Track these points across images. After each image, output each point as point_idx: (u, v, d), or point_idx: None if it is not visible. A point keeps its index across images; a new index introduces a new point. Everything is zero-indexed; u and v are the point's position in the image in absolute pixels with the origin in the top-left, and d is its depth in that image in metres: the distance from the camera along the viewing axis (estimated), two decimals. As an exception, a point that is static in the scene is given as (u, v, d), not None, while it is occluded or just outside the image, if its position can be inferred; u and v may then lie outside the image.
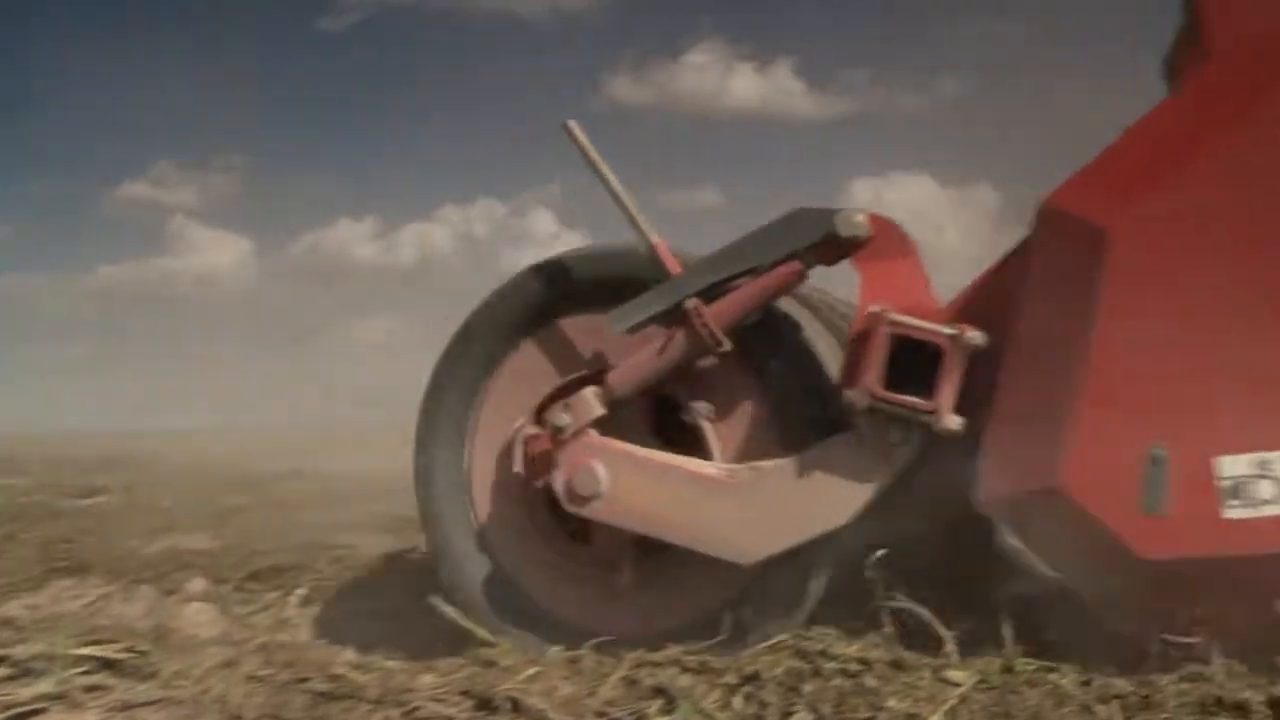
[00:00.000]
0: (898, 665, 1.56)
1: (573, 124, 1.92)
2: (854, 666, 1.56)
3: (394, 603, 2.54)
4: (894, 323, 1.64)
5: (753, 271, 1.78)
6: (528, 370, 2.02)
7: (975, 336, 1.60)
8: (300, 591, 2.78)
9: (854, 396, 1.65)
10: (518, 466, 1.99)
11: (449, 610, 1.94)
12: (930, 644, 1.63)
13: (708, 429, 1.89)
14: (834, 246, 1.73)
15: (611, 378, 1.85)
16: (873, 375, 1.64)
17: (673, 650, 1.70)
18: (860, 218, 1.71)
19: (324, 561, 3.21)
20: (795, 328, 1.87)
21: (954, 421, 1.61)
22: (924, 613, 1.65)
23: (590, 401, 1.85)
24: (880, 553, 1.68)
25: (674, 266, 1.83)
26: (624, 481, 1.81)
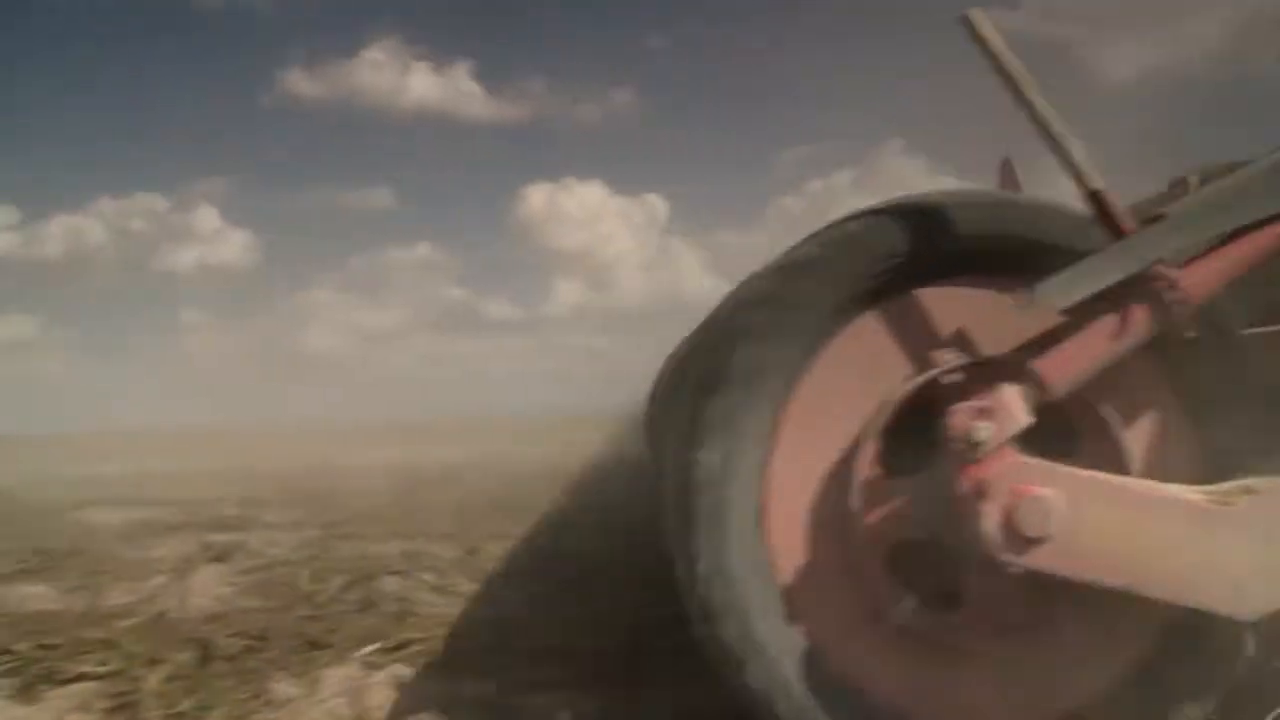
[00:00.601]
0: None
1: (977, 14, 1.34)
2: None
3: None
4: None
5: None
6: (866, 356, 1.41)
7: None
8: None
9: None
10: (855, 501, 1.38)
11: None
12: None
13: (1126, 437, 1.43)
14: None
15: (1047, 371, 1.31)
16: None
17: None
18: None
19: None
20: (1213, 304, 1.46)
21: None
22: None
23: (1015, 405, 1.30)
24: None
25: (1128, 223, 1.34)
26: (1090, 517, 1.28)
